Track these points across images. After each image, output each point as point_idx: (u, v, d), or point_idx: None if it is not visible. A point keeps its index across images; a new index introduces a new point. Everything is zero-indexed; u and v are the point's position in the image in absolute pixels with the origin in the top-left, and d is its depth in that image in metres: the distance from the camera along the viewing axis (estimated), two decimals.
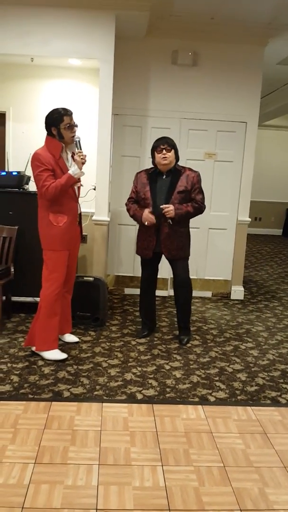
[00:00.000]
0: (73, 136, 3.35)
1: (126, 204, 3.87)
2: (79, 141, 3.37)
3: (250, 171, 5.18)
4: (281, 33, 4.75)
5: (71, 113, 3.33)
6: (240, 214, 5.27)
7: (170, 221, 3.61)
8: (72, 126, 3.32)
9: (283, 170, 10.77)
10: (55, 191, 3.25)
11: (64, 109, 3.31)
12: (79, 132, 3.42)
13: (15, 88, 5.24)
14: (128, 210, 3.84)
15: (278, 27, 4.62)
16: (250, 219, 5.34)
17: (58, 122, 3.27)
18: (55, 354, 3.44)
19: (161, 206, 3.58)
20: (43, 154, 3.28)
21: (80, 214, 3.61)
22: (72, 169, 3.32)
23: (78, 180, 3.41)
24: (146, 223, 3.65)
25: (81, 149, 3.37)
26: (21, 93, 5.25)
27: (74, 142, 3.36)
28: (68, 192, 3.38)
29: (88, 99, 5.13)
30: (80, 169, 3.34)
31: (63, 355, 3.45)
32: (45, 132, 3.38)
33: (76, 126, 3.36)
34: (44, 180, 3.23)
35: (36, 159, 3.27)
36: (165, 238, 3.68)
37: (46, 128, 3.34)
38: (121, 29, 4.35)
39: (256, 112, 5.08)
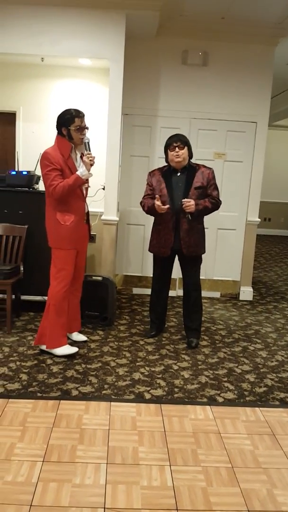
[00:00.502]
0: (83, 138, 3.36)
1: (141, 202, 3.80)
2: (88, 143, 3.38)
3: (260, 171, 5.16)
4: None
5: (83, 115, 3.34)
6: (250, 215, 5.25)
7: (189, 216, 3.59)
8: (82, 128, 3.33)
9: None
10: (62, 191, 3.27)
11: (76, 110, 3.32)
12: (89, 132, 3.43)
13: (25, 88, 5.27)
14: (143, 206, 3.76)
15: None
16: (259, 220, 5.31)
17: (69, 123, 3.29)
18: (66, 349, 3.46)
19: (182, 200, 3.55)
20: (52, 153, 3.30)
21: (88, 212, 3.62)
22: (80, 170, 3.33)
23: (86, 181, 3.42)
24: (162, 211, 3.56)
25: (90, 150, 3.39)
26: (32, 93, 5.28)
27: (83, 144, 3.38)
28: (75, 192, 3.39)
29: (98, 99, 5.15)
30: (89, 170, 3.35)
31: (74, 349, 3.48)
32: (55, 132, 3.39)
33: (87, 128, 3.38)
34: (52, 180, 3.26)
35: (45, 158, 3.29)
36: (184, 235, 3.65)
37: (57, 127, 3.36)
38: (131, 29, 4.36)
39: (266, 112, 5.06)
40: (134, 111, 4.99)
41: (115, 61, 4.25)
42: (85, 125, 3.36)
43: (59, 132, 3.36)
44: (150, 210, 3.70)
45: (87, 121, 3.41)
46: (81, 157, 3.45)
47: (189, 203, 3.54)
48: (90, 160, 3.35)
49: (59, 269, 3.43)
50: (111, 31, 4.19)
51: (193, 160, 3.76)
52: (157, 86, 4.97)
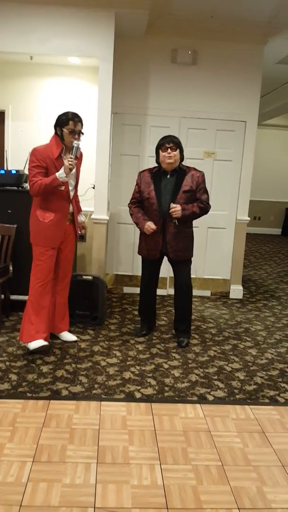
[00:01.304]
0: (72, 142, 3.35)
1: (129, 207, 3.83)
2: (76, 147, 3.34)
3: (249, 170, 5.18)
4: (280, 32, 4.75)
5: (78, 120, 3.34)
6: (239, 213, 5.27)
7: (176, 221, 3.58)
8: (74, 132, 3.34)
9: (283, 169, 10.77)
10: (39, 189, 3.30)
11: (74, 114, 3.35)
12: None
13: (14, 86, 5.23)
14: (131, 214, 3.80)
15: (277, 26, 4.62)
16: (249, 218, 5.33)
17: (63, 125, 3.33)
18: (38, 343, 3.41)
19: (170, 205, 3.54)
20: (41, 150, 3.33)
21: (73, 213, 3.60)
22: (59, 172, 3.31)
23: (63, 183, 3.35)
24: (147, 233, 3.65)
25: (75, 156, 3.34)
26: (20, 91, 5.24)
27: (72, 147, 3.35)
28: (58, 191, 3.39)
29: (87, 98, 5.13)
30: (67, 174, 3.30)
31: (43, 342, 3.41)
32: (44, 131, 3.41)
33: (82, 133, 3.38)
34: (33, 176, 3.31)
35: (32, 154, 3.34)
36: (171, 239, 3.64)
37: (54, 126, 3.40)
38: (121, 28, 4.35)
39: (255, 111, 5.07)
40: (123, 110, 4.98)
41: (104, 59, 4.23)
42: (79, 130, 3.36)
43: (55, 132, 3.40)
44: (136, 224, 3.75)
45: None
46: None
47: (176, 209, 3.53)
48: (70, 164, 3.28)
49: (36, 264, 3.46)
50: (100, 29, 4.17)
51: (183, 161, 3.75)
52: (146, 84, 4.96)
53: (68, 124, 3.32)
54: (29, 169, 3.35)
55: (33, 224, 3.47)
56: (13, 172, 4.24)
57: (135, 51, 4.88)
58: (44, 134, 3.42)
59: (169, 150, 3.56)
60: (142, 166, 4.94)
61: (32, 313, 3.44)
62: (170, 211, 3.54)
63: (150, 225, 3.61)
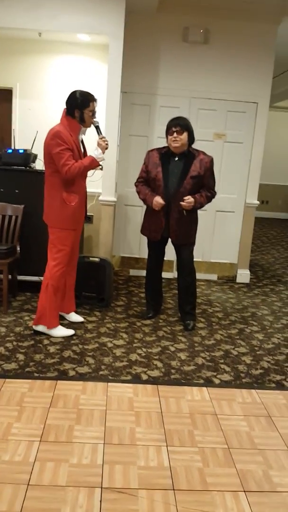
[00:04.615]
0: (93, 122, 3.36)
1: (135, 185, 3.79)
2: (99, 126, 3.39)
3: (260, 153, 5.10)
4: None
5: (96, 99, 3.32)
6: (249, 197, 5.21)
7: (184, 211, 3.56)
8: (94, 113, 3.32)
9: None
10: (77, 172, 3.25)
11: (91, 94, 3.29)
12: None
13: (22, 64, 5.15)
14: (138, 192, 3.76)
15: None
16: (258, 202, 5.27)
17: (84, 106, 3.25)
18: (64, 331, 3.52)
19: (184, 198, 3.50)
20: (63, 132, 3.22)
21: (86, 193, 3.60)
22: (96, 153, 3.34)
23: (99, 164, 3.42)
24: (156, 208, 3.61)
25: (102, 133, 3.41)
26: (29, 69, 5.16)
27: (95, 127, 3.38)
28: None
29: (96, 76, 5.04)
30: (103, 153, 3.37)
31: (71, 331, 3.53)
32: (52, 109, 3.35)
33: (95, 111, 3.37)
34: (66, 160, 3.20)
35: (57, 137, 3.19)
36: (174, 223, 3.62)
37: (69, 108, 3.27)
38: (132, 4, 4.23)
39: (267, 92, 4.97)
40: (133, 89, 4.89)
41: (114, 37, 4.14)
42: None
43: (69, 113, 3.28)
44: (144, 201, 3.71)
45: None
46: (82, 141, 3.46)
47: (189, 201, 3.50)
48: (106, 144, 3.37)
49: (58, 249, 3.41)
50: (111, 5, 4.07)
51: (193, 143, 3.68)
52: (157, 63, 4.86)
53: (89, 106, 3.26)
54: (58, 152, 3.18)
55: (58, 208, 3.35)
56: (21, 151, 4.19)
57: (145, 29, 4.77)
58: (51, 113, 3.38)
59: (175, 134, 3.50)
60: (150, 146, 4.85)
61: (55, 298, 3.44)
62: (183, 204, 3.51)
63: (158, 200, 3.56)
